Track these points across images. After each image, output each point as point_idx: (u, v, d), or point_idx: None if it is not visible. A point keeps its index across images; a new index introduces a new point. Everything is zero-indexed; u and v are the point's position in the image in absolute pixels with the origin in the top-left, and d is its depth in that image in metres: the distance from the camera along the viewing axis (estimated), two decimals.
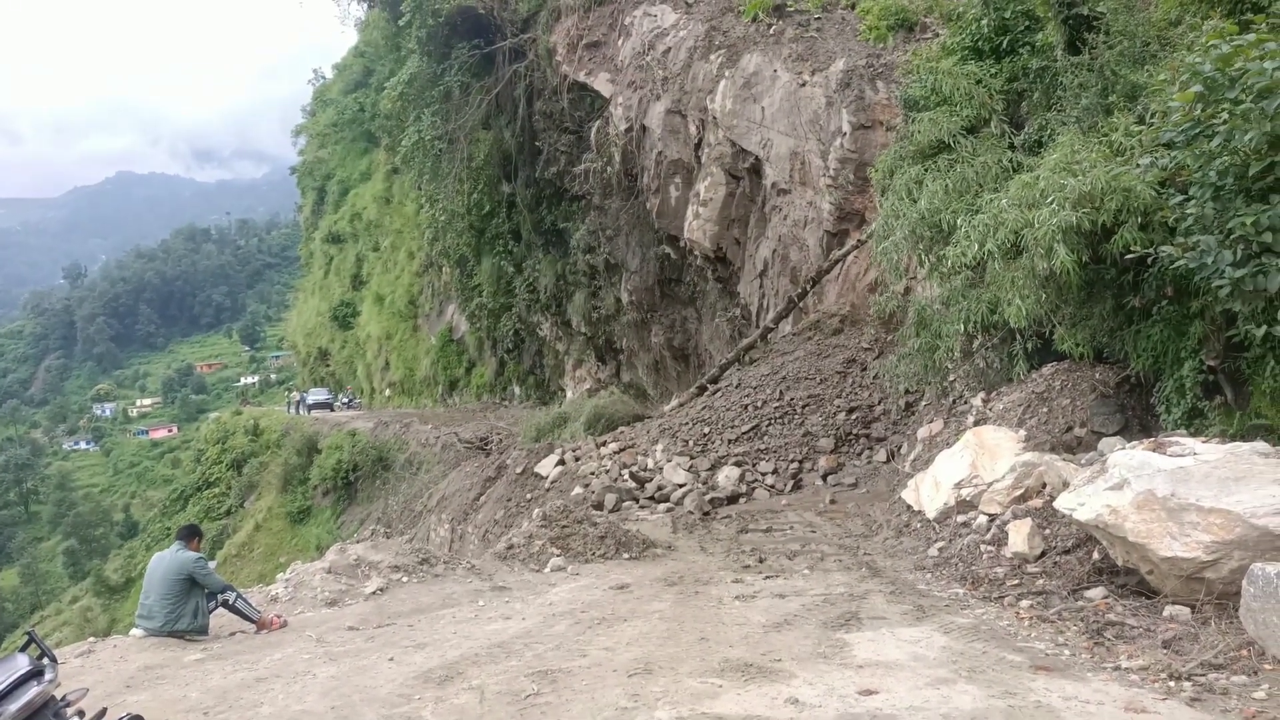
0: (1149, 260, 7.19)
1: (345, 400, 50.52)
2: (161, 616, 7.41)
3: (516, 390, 35.42)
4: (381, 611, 7.68)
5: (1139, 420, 8.70)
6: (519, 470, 16.36)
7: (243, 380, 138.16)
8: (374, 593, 8.11)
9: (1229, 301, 6.34)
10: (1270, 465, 5.78)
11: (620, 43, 23.64)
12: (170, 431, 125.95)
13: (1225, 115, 6.33)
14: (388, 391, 48.49)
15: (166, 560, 7.59)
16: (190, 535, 7.95)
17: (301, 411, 47.94)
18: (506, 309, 32.23)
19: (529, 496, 15.05)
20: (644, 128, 22.69)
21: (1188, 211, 6.67)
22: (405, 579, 8.61)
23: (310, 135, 62.99)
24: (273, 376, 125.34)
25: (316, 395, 50.18)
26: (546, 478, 15.23)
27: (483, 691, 5.36)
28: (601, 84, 24.08)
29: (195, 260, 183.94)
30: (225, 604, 7.60)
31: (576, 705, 5.06)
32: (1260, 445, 6.13)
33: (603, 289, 26.86)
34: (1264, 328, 6.11)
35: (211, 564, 8.08)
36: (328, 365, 59.30)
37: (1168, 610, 5.91)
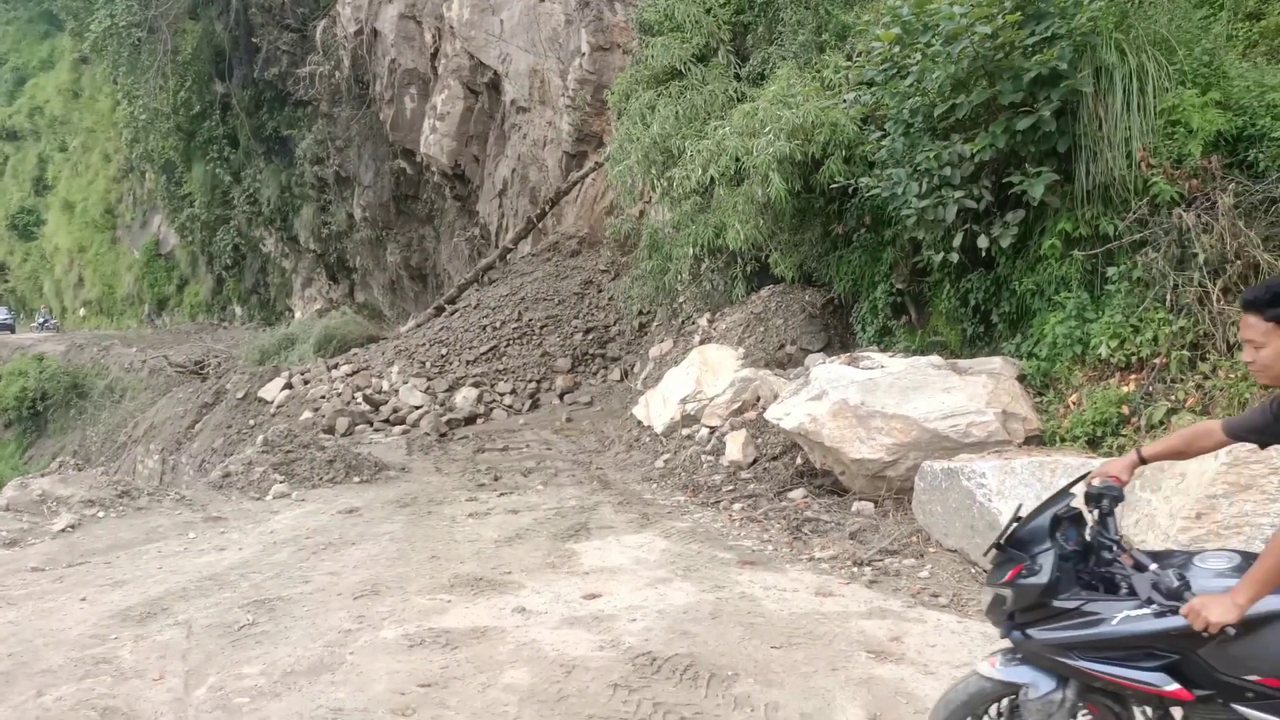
0: (851, 191, 7.82)
1: (41, 320, 44.28)
2: None
3: (238, 310, 32.85)
4: (73, 550, 6.95)
5: (840, 338, 9.56)
6: (240, 395, 15.29)
7: None
8: (63, 530, 7.31)
9: (915, 230, 7.05)
10: (941, 375, 6.56)
11: None
12: None
13: (918, 57, 6.93)
14: (82, 311, 43.24)
15: None
16: None
17: None
18: (224, 221, 29.56)
19: (252, 423, 14.13)
20: (375, 31, 21.38)
21: (883, 145, 7.30)
22: (102, 514, 7.82)
23: None
24: None
25: None
26: (272, 402, 14.36)
27: (190, 626, 5.02)
28: None
29: None
30: None
31: (295, 632, 4.88)
32: (935, 359, 6.94)
33: (333, 203, 25.32)
34: (941, 254, 6.87)
35: None
36: (6, 281, 51.81)
37: (855, 506, 6.62)
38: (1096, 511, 2.65)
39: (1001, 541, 2.65)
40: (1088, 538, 2.62)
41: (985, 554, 2.75)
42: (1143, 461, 2.80)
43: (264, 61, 24.52)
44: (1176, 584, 2.35)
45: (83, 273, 42.53)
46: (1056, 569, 2.52)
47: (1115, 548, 2.57)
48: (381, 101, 21.76)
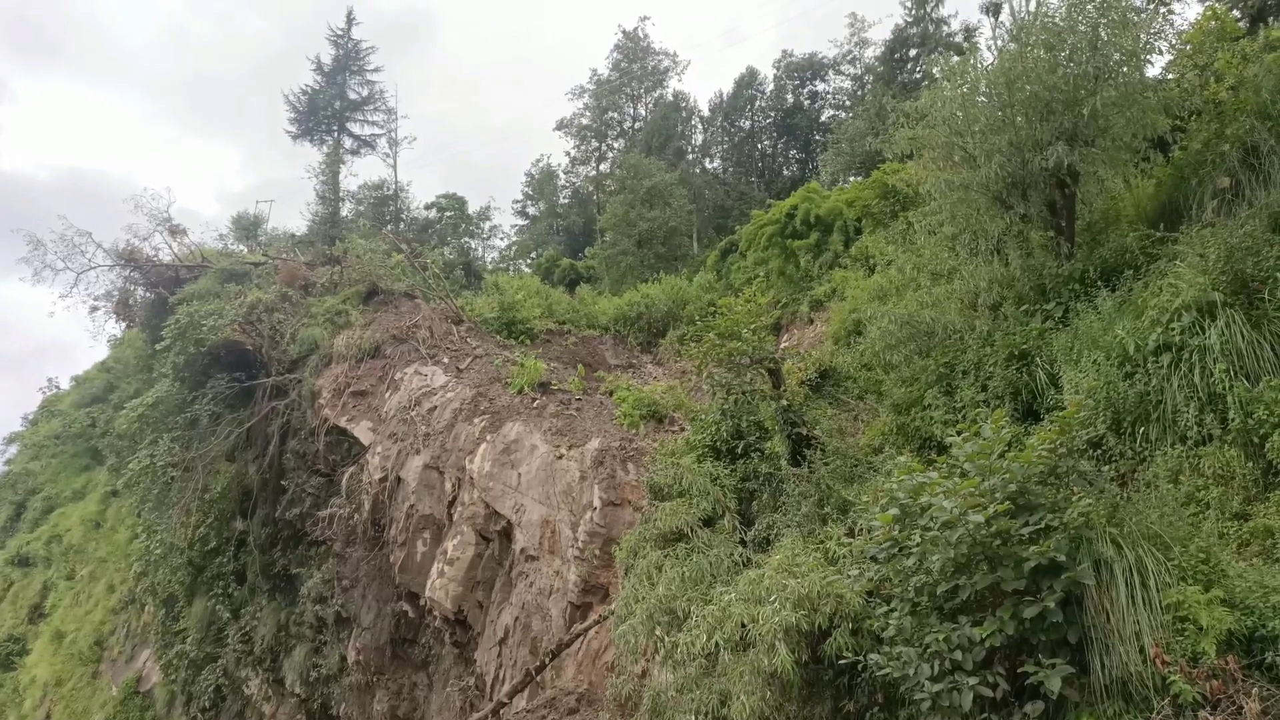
0: (860, 666, 7.58)
1: None
2: None
3: None
4: None
5: None
6: None
7: None
8: None
9: (930, 715, 6.69)
10: None
11: (388, 395, 24.05)
12: None
13: (918, 538, 7.13)
14: None
15: None
16: None
17: None
18: (212, 660, 28.55)
19: None
20: (399, 479, 22.47)
21: (890, 622, 7.22)
22: None
23: (25, 445, 57.14)
24: None
25: None
26: None
27: None
28: (362, 431, 24.01)
29: None
30: None
31: None
32: None
33: (328, 644, 24.64)
34: None
35: None
36: None
37: None
38: None
39: None
40: None
41: None
42: None
43: (288, 502, 25.52)
44: None
45: (52, 709, 40.17)
46: None
47: None
48: (394, 545, 22.17)
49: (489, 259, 60.05)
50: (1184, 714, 5.30)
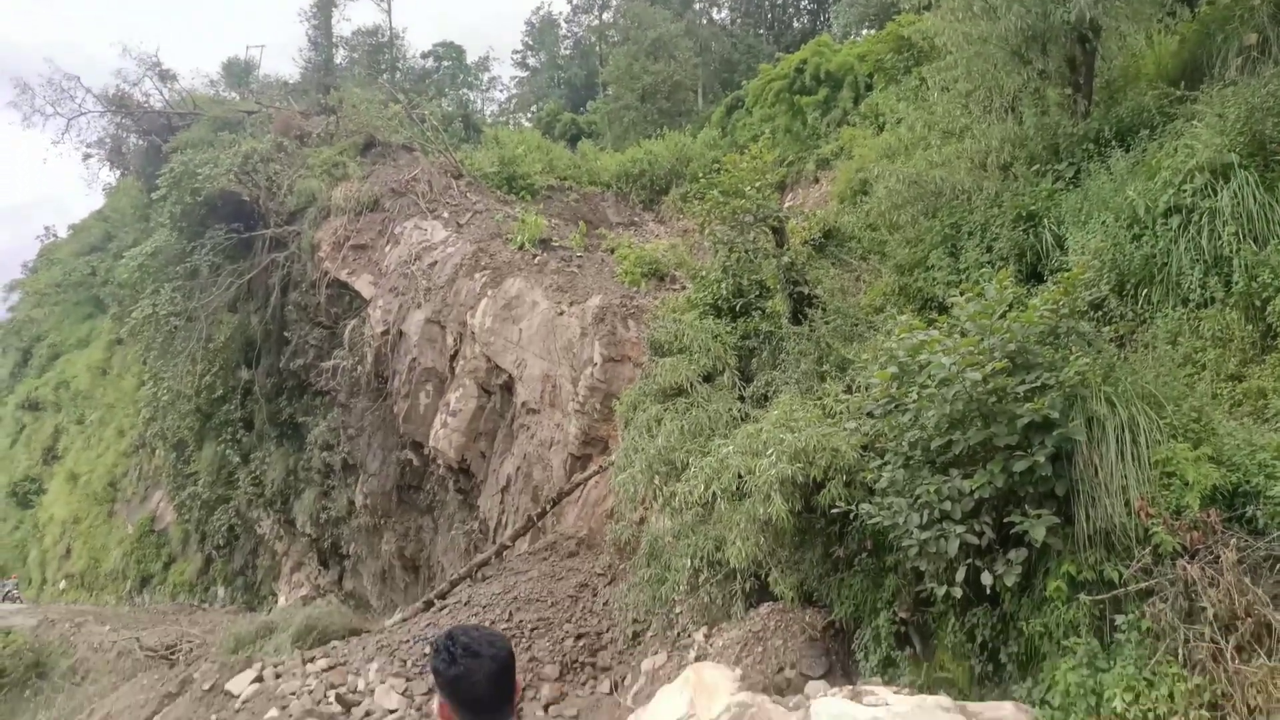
0: (852, 515, 7.88)
1: (4, 591, 43.04)
2: None
3: (221, 592, 31.93)
4: None
5: (842, 664, 9.16)
6: (207, 686, 14.43)
7: None
8: None
9: (917, 560, 7.01)
10: (950, 719, 6.21)
11: (388, 249, 23.92)
12: None
13: (915, 395, 7.27)
14: (63, 584, 42.06)
15: None
16: None
17: None
18: (224, 501, 29.57)
19: (213, 718, 13.24)
20: (401, 332, 22.65)
21: (883, 474, 7.45)
22: None
23: (27, 293, 57.24)
24: None
25: None
26: (239, 696, 13.52)
27: None
28: (363, 285, 24.02)
29: None
30: None
31: None
32: (944, 699, 6.59)
33: (336, 489, 25.47)
34: (945, 587, 6.77)
35: None
36: None
37: None
38: None
39: None
40: None
41: None
42: None
43: (292, 353, 25.78)
44: None
45: (71, 545, 41.88)
46: None
47: None
48: (398, 396, 22.57)
49: (488, 112, 58.51)
50: (1163, 563, 5.56)
